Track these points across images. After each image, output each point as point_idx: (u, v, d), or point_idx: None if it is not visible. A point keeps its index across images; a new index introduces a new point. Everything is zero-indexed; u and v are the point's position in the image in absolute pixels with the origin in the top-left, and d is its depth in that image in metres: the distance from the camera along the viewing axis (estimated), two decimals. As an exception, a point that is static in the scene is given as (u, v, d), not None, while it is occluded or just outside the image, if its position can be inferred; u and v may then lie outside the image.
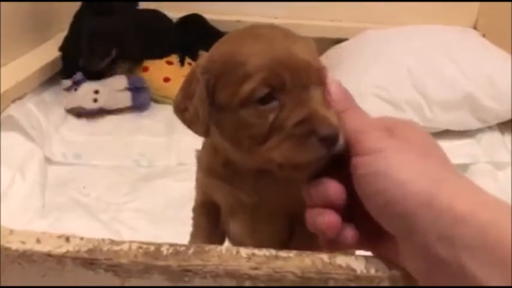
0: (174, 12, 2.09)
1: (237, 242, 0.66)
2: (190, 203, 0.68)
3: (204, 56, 0.52)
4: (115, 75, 1.75)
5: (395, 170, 0.38)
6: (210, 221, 0.66)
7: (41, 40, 1.83)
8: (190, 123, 0.52)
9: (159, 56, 1.91)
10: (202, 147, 0.62)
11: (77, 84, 1.67)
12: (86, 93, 1.65)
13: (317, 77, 0.48)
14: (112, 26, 1.70)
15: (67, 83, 1.67)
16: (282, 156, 0.46)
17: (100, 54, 1.68)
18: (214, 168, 0.58)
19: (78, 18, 1.78)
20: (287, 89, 0.46)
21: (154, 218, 1.22)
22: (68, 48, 1.75)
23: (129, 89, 1.72)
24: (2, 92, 1.42)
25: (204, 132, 0.51)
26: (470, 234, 0.34)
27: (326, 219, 0.43)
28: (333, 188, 0.43)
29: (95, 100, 1.65)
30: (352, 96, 0.47)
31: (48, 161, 1.41)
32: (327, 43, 2.10)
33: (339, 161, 0.45)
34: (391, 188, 0.38)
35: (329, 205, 0.43)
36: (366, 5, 2.14)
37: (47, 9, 1.88)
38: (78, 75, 1.67)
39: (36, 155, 1.36)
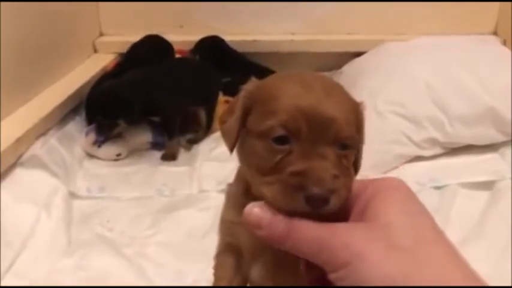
0: (190, 35, 2.09)
1: (258, 286, 0.66)
2: (212, 233, 0.69)
3: (252, 81, 0.56)
4: (139, 130, 1.72)
5: (374, 276, 0.38)
6: (233, 270, 0.66)
7: (61, 74, 1.84)
8: (224, 135, 0.56)
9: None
10: (233, 181, 0.64)
11: (100, 142, 1.65)
12: (108, 154, 1.67)
13: (338, 138, 0.49)
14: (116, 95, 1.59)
15: (91, 137, 1.65)
16: (269, 195, 0.47)
17: (108, 127, 1.63)
18: (238, 200, 0.59)
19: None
20: (302, 138, 0.48)
21: (178, 251, 1.23)
22: (91, 97, 1.75)
23: (151, 143, 1.74)
24: (25, 130, 1.43)
25: (230, 146, 0.55)
26: None
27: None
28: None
29: (118, 155, 1.68)
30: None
31: (72, 195, 1.43)
32: (345, 57, 2.09)
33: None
34: None
35: None
36: (382, 17, 2.13)
37: (67, 43, 1.90)
38: (101, 136, 1.65)
39: (61, 191, 1.38)
